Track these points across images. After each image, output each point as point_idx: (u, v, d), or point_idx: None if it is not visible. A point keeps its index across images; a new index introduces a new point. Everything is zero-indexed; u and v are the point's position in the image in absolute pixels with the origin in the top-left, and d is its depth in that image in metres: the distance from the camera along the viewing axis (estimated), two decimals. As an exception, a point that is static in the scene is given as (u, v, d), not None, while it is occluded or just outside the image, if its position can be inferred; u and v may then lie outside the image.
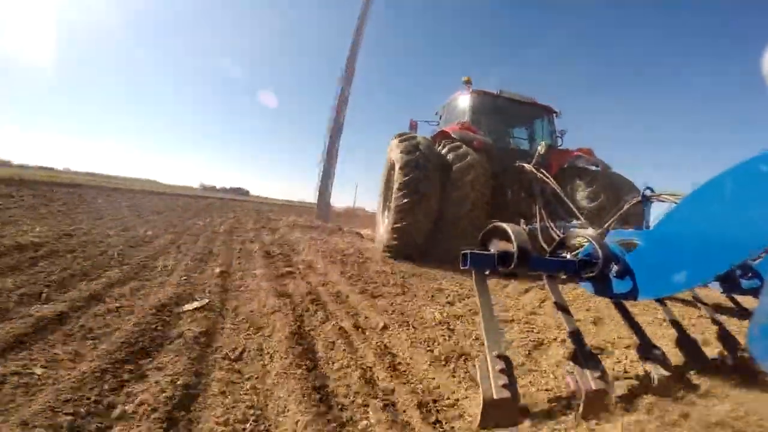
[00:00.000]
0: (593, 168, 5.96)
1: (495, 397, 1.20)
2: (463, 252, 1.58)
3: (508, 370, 1.28)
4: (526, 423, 1.39)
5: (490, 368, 1.28)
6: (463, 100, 6.96)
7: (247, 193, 66.86)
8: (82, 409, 1.45)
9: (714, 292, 2.29)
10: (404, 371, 2.03)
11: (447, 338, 2.44)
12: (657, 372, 1.49)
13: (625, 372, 1.85)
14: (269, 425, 1.52)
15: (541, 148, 5.73)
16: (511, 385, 1.25)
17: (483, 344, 1.38)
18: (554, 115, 7.10)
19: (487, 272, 1.61)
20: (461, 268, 1.58)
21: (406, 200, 5.30)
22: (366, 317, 2.85)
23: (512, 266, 1.49)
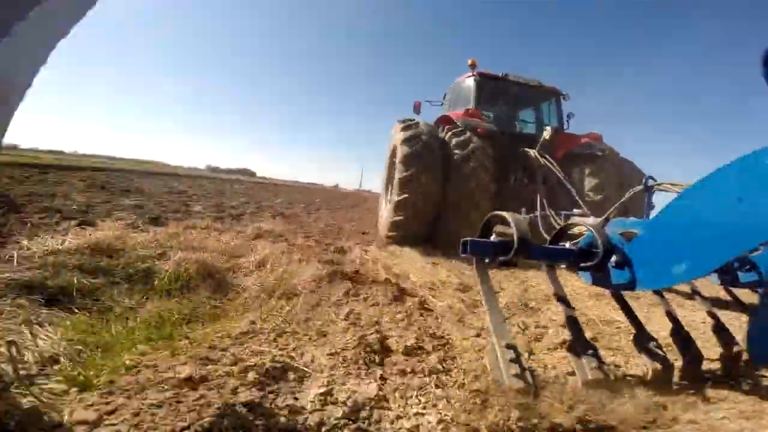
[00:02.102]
0: (601, 154, 5.80)
1: (508, 387, 1.20)
2: (463, 240, 1.59)
3: (518, 358, 1.28)
4: None
5: (500, 358, 1.28)
6: (468, 83, 6.81)
7: (253, 174, 67.98)
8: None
9: (712, 285, 2.27)
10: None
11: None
12: (651, 365, 1.49)
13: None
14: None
15: (546, 134, 5.59)
16: (524, 374, 1.24)
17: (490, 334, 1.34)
18: (561, 97, 6.96)
19: (487, 260, 1.62)
20: (461, 255, 1.59)
21: (405, 196, 5.20)
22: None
23: (512, 254, 1.50)
